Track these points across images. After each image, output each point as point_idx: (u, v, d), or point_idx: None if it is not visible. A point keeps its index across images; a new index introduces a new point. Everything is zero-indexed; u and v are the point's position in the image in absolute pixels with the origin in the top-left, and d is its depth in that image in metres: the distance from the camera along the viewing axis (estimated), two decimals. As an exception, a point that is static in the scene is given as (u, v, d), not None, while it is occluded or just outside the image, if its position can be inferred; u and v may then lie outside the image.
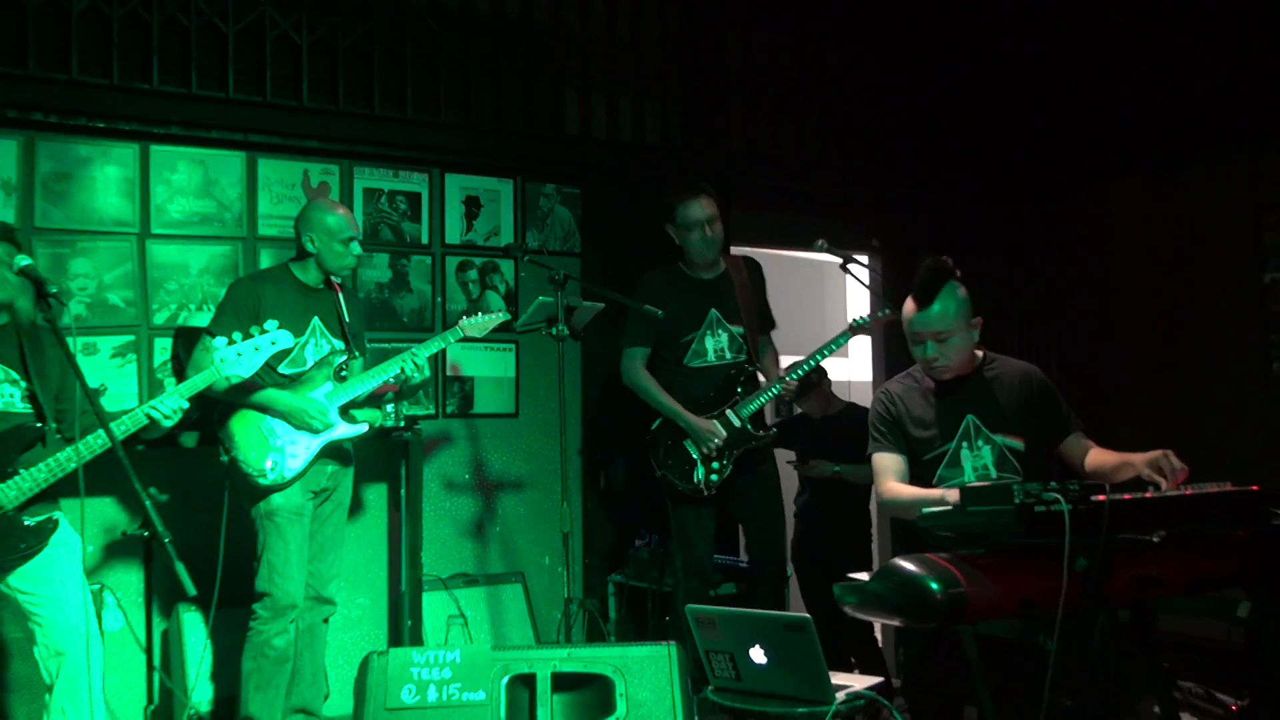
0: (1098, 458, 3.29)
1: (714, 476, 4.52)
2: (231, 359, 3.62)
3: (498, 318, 4.38)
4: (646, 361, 4.67)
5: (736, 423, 4.54)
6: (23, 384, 3.52)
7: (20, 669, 4.02)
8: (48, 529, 3.50)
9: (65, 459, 3.41)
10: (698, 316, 4.62)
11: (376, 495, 4.99)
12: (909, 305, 3.36)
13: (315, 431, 4.01)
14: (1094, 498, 2.57)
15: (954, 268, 3.37)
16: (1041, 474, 3.23)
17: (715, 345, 4.62)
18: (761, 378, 4.70)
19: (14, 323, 3.52)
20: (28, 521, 3.46)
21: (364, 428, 4.16)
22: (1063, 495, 2.54)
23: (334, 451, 4.16)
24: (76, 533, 3.58)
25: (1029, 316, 6.01)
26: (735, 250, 5.18)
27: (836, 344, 4.59)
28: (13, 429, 3.46)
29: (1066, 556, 2.52)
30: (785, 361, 4.82)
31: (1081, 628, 2.60)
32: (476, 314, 4.36)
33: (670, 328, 4.60)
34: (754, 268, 4.82)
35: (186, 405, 3.61)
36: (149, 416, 3.54)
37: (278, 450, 3.98)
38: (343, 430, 4.09)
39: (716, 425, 4.52)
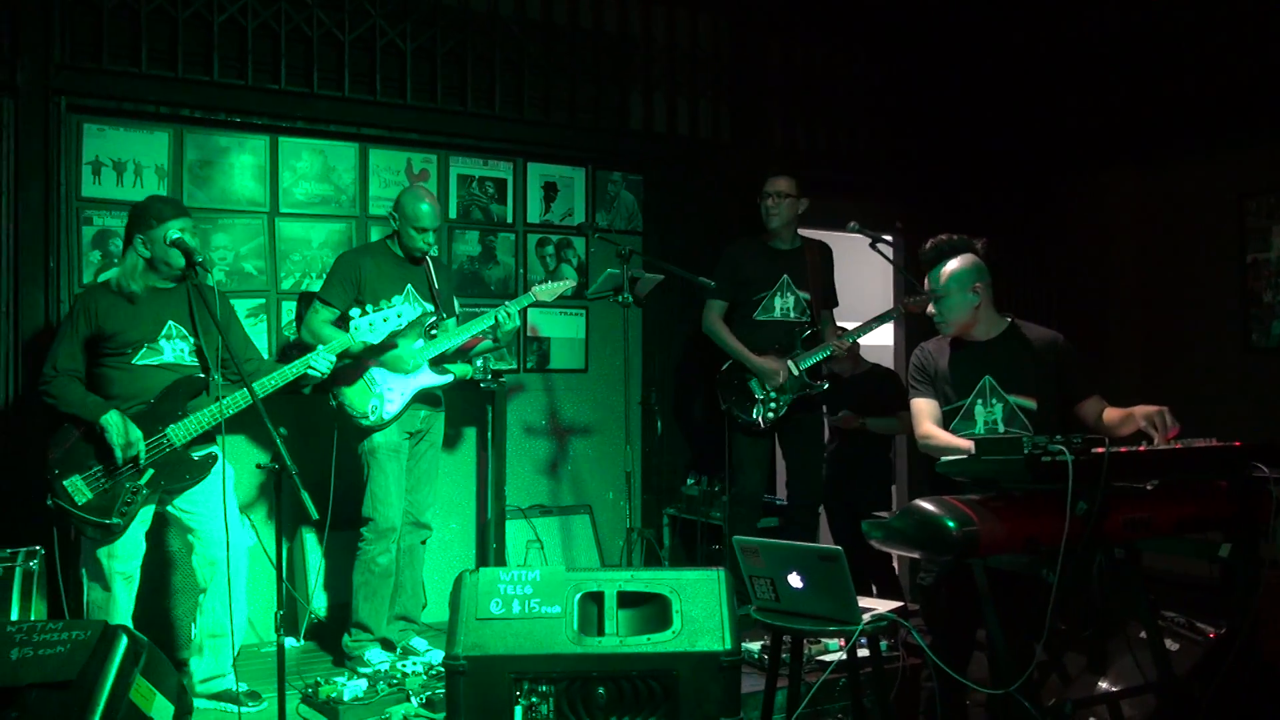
0: (1108, 415, 3.26)
1: (770, 414, 4.57)
2: (364, 327, 3.71)
3: (565, 284, 4.39)
4: (724, 314, 4.73)
5: (795, 372, 4.58)
6: (190, 340, 3.58)
7: (180, 576, 4.13)
8: (209, 463, 3.57)
9: (226, 405, 3.47)
10: (771, 278, 4.68)
11: (467, 437, 5.03)
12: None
13: (407, 372, 4.03)
14: (1094, 450, 2.54)
15: (966, 242, 3.35)
16: (1049, 430, 3.17)
17: (783, 305, 4.67)
18: (819, 340, 4.72)
19: (185, 285, 3.56)
20: (195, 455, 3.54)
21: (449, 377, 4.19)
22: (1066, 447, 2.52)
23: (426, 398, 4.19)
24: (230, 465, 3.66)
25: (1029, 291, 5.90)
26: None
27: (887, 318, 4.62)
28: (184, 379, 3.53)
29: (1069, 501, 2.50)
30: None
31: (1080, 563, 2.56)
32: (548, 281, 4.36)
33: (747, 285, 4.68)
34: (826, 252, 4.84)
35: (335, 361, 3.69)
36: (311, 368, 3.63)
37: (378, 396, 4.03)
38: (428, 379, 4.12)
39: (779, 366, 4.56)
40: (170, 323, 3.56)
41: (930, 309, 3.39)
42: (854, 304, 5.50)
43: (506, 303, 4.20)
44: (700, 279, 4.41)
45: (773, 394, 4.57)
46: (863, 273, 7.04)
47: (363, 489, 4.06)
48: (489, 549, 4.75)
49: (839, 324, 4.98)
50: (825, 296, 4.81)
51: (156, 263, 3.53)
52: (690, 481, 5.27)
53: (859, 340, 4.86)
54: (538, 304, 4.33)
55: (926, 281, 3.40)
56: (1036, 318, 3.57)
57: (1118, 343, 5.77)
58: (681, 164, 5.48)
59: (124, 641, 2.87)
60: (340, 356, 3.82)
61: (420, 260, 4.21)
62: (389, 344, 4.01)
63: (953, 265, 3.33)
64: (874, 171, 6.04)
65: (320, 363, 3.70)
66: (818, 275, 4.72)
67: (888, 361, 6.13)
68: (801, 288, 4.70)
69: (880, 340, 6.54)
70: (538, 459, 5.27)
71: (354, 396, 4.02)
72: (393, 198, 4.80)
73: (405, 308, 3.77)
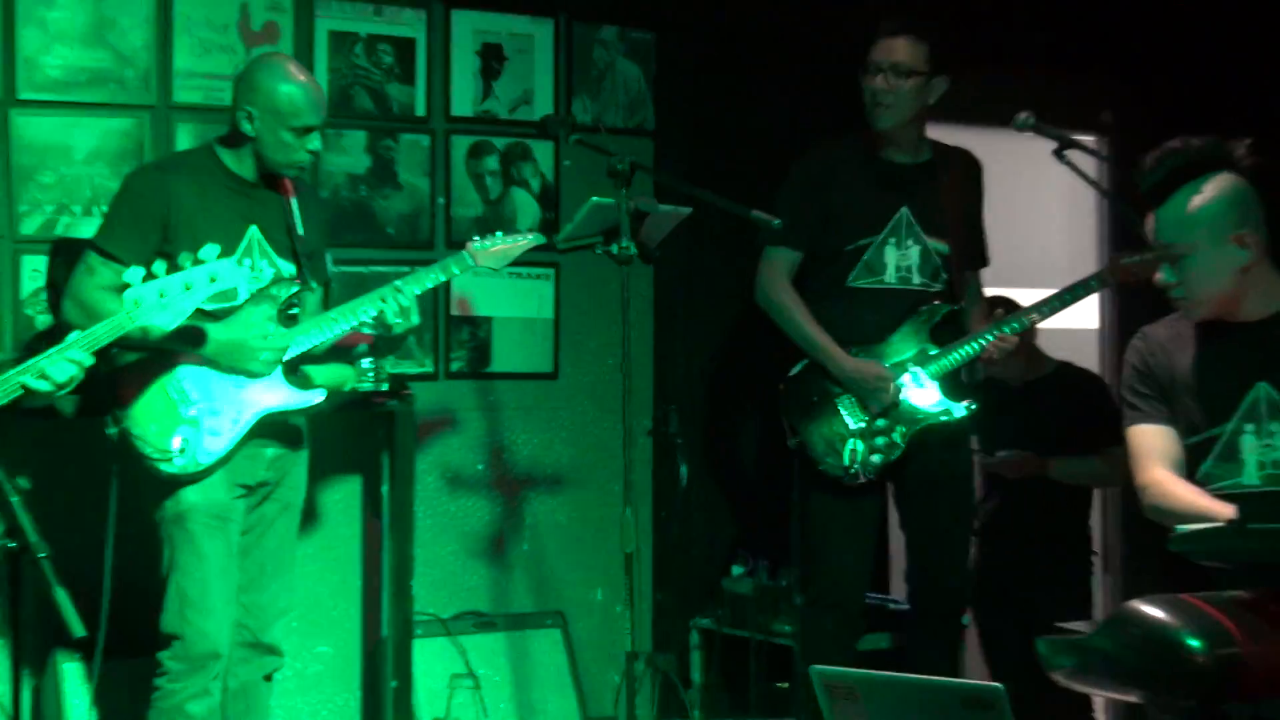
0: None
1: (876, 456, 4.57)
2: (151, 301, 3.60)
3: (527, 239, 4.39)
4: (795, 272, 4.72)
5: (921, 384, 4.58)
6: None
7: None
8: None
9: None
10: (880, 214, 4.68)
11: (346, 495, 5.03)
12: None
13: (256, 375, 4.04)
14: None
15: (1239, 154, 3.35)
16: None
17: (900, 261, 4.69)
18: (962, 328, 4.74)
19: None
20: None
21: (319, 395, 4.19)
22: (1396, 508, 2.52)
23: (276, 429, 4.18)
24: None
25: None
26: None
27: (1084, 290, 4.62)
28: None
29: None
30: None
31: None
32: (495, 232, 4.36)
33: (837, 225, 4.66)
34: (973, 169, 4.88)
35: (89, 364, 3.61)
36: (28, 389, 3.57)
37: (190, 422, 4.01)
38: (283, 395, 4.12)
39: (889, 371, 4.56)
40: None
41: (1160, 275, 3.40)
42: (1023, 261, 5.51)
43: (399, 279, 4.18)
44: (756, 214, 4.42)
45: (880, 421, 4.59)
46: (1041, 206, 7.04)
47: (163, 587, 4.08)
48: (384, 689, 4.74)
49: (994, 294, 4.99)
50: (972, 248, 4.84)
51: None
52: (738, 571, 5.28)
53: (1036, 325, 4.86)
54: (477, 270, 4.36)
55: (1152, 225, 3.41)
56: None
57: None
58: (723, 10, 5.49)
59: None
60: (110, 352, 3.81)
61: (279, 184, 4.23)
62: (209, 329, 4.03)
63: (1201, 198, 3.32)
64: (1067, 25, 6.06)
65: (57, 369, 3.61)
66: (959, 212, 4.75)
67: (1089, 359, 6.14)
68: (933, 232, 4.71)
69: (1074, 322, 6.55)
70: (470, 532, 5.28)
71: (148, 422, 4.01)
72: (216, 73, 4.82)
73: (224, 266, 3.71)
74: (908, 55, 4.64)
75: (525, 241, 4.40)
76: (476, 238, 4.34)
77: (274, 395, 4.11)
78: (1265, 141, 3.46)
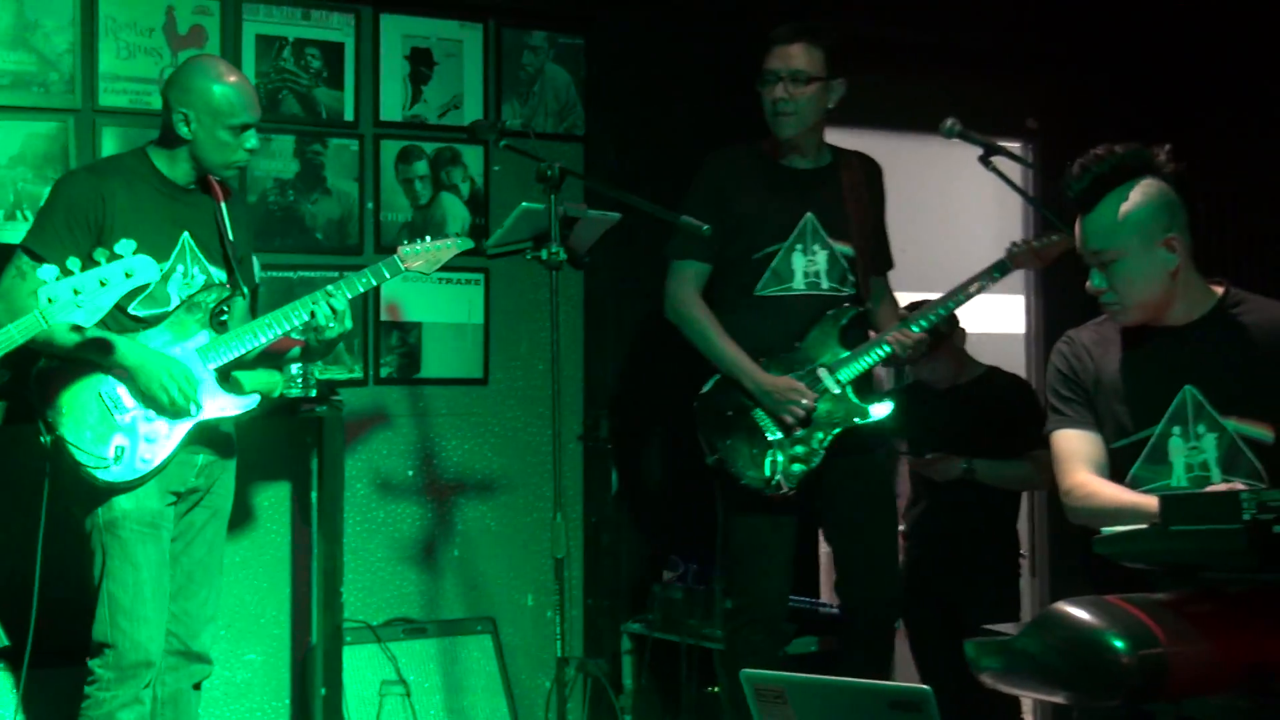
0: None
1: (797, 466, 4.56)
2: (65, 299, 3.58)
3: (456, 243, 4.38)
4: (704, 285, 4.71)
5: (835, 388, 4.58)
6: None
7: None
8: None
9: None
10: (785, 221, 4.66)
11: (274, 502, 5.02)
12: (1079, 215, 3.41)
13: (171, 411, 4.01)
14: (1368, 513, 2.57)
15: (1160, 159, 3.37)
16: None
17: (808, 266, 4.67)
18: (871, 329, 4.74)
19: None
20: None
21: (253, 401, 4.17)
22: (1316, 508, 2.54)
23: (208, 435, 4.16)
24: None
25: (1254, 241, 5.98)
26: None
27: (984, 282, 4.62)
28: None
29: (1321, 602, 2.52)
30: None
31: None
32: (424, 236, 4.35)
33: (741, 234, 4.64)
34: (874, 171, 4.86)
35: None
36: None
37: (127, 429, 3.99)
38: (221, 403, 4.11)
39: (801, 384, 4.55)
40: None
41: (1091, 282, 3.40)
42: (950, 266, 5.52)
43: (332, 285, 4.17)
44: (685, 219, 4.43)
45: (798, 430, 4.60)
46: (968, 211, 7.09)
47: (94, 596, 4.04)
48: (313, 696, 4.72)
49: (918, 299, 5.00)
50: (877, 251, 4.82)
51: None
52: (669, 575, 5.28)
53: (960, 326, 4.89)
54: (408, 273, 4.35)
55: (1080, 232, 3.41)
56: (1269, 287, 3.61)
57: None
58: (656, 11, 5.51)
59: None
60: (17, 353, 3.75)
61: (212, 189, 4.22)
62: (139, 340, 4.00)
63: (1129, 204, 3.33)
64: (993, 28, 6.10)
65: None
66: (864, 215, 4.73)
67: (1016, 363, 6.18)
68: (838, 236, 4.69)
69: (1001, 327, 6.60)
70: (400, 538, 5.27)
71: (82, 429, 3.97)
72: (142, 76, 4.79)
73: (140, 261, 3.68)
74: (805, 62, 4.61)
75: (454, 245, 4.38)
76: (406, 242, 4.33)
77: (211, 402, 4.09)
78: (1187, 146, 3.50)
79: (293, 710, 4.99)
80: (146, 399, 3.99)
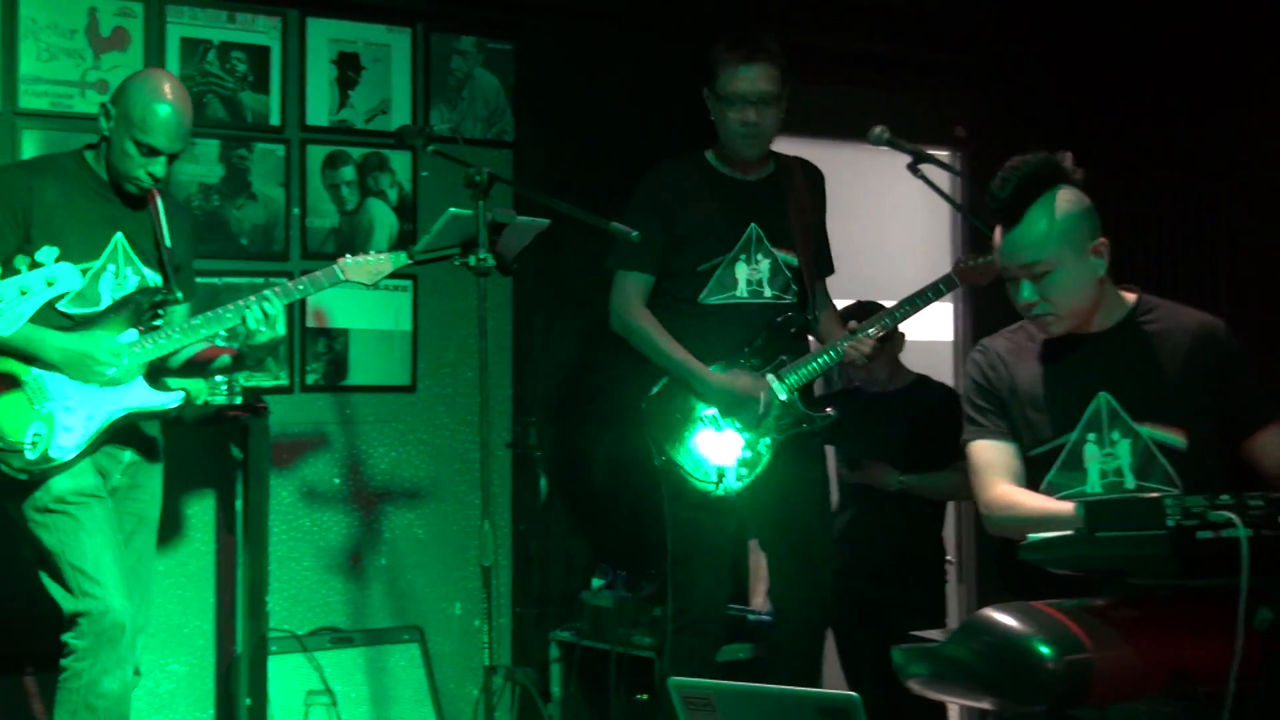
0: None
1: (743, 469, 4.57)
2: None
3: (396, 258, 4.37)
4: (648, 295, 4.72)
5: (783, 394, 4.60)
6: None
7: None
8: None
9: None
10: (730, 232, 4.68)
11: (200, 510, 4.99)
12: (997, 227, 3.39)
13: (102, 382, 3.99)
14: (1287, 518, 2.59)
15: (1069, 167, 3.38)
16: (1209, 483, 3.24)
17: (751, 275, 4.69)
18: (814, 336, 4.78)
19: None
20: None
21: (176, 398, 4.16)
22: (1239, 514, 2.55)
23: (131, 435, 4.15)
24: None
25: (1182, 247, 6.04)
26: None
27: (932, 295, 4.66)
28: None
29: (1242, 607, 2.53)
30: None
31: (1263, 713, 2.62)
32: (367, 249, 4.34)
33: (687, 246, 4.66)
34: (815, 177, 4.88)
35: None
36: None
37: (45, 419, 3.99)
38: (144, 398, 4.09)
39: (753, 385, 4.56)
40: None
41: (1021, 295, 3.36)
42: (880, 273, 5.58)
43: (270, 290, 4.16)
44: (615, 225, 4.43)
45: (745, 436, 4.61)
46: (898, 219, 7.13)
47: (55, 575, 4.01)
48: (238, 707, 4.69)
49: (859, 300, 5.02)
50: (819, 257, 4.85)
51: None
52: (598, 583, 5.28)
53: (900, 332, 4.91)
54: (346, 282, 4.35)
55: (1007, 246, 3.37)
56: (1185, 295, 3.64)
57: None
58: (586, 17, 5.52)
59: None
60: None
61: (142, 196, 4.19)
62: (56, 339, 3.98)
63: (1056, 213, 3.33)
64: (922, 39, 6.14)
65: None
66: (806, 223, 4.75)
67: (944, 371, 6.21)
68: (782, 245, 4.72)
69: (929, 334, 6.64)
70: (327, 546, 5.25)
71: (2, 417, 3.97)
72: (63, 79, 4.76)
73: (62, 269, 3.65)
74: (769, 82, 4.63)
75: (395, 260, 4.38)
76: (349, 255, 4.33)
77: (132, 395, 4.08)
78: (1115, 152, 3.52)
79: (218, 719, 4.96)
80: (78, 377, 4.00)
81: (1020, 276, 3.36)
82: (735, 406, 4.57)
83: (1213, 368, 3.38)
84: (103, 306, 4.07)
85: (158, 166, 4.10)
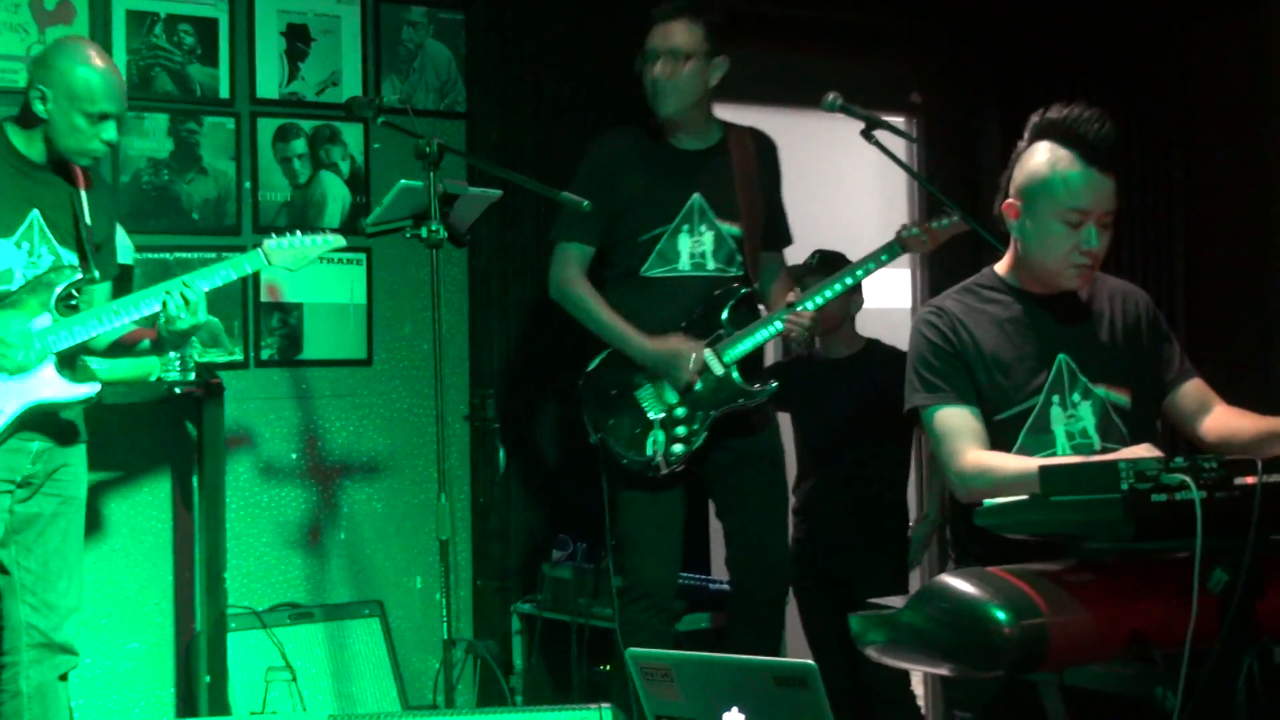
0: (1227, 421, 3.35)
1: (678, 446, 4.56)
2: None
3: (326, 240, 4.27)
4: (587, 266, 4.72)
5: (719, 369, 4.58)
6: None
7: None
8: None
9: None
10: (671, 203, 4.66)
11: (155, 487, 4.98)
12: (1064, 159, 3.29)
13: (10, 372, 3.93)
14: (1240, 480, 2.59)
15: None
16: (1150, 441, 3.26)
17: (694, 248, 4.67)
18: (761, 307, 4.77)
19: None
20: None
21: (93, 388, 4.08)
22: (1192, 477, 2.55)
23: (42, 422, 4.06)
24: None
25: (1137, 217, 6.06)
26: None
27: (873, 264, 4.63)
28: None
29: (1197, 569, 2.54)
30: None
31: (1219, 673, 2.63)
32: (295, 230, 4.25)
33: (627, 216, 4.65)
34: (766, 147, 4.86)
35: None
36: None
37: None
38: (54, 388, 4.01)
39: (688, 343, 4.54)
40: None
41: (1095, 243, 3.28)
42: (835, 240, 5.56)
43: (191, 274, 4.06)
44: (565, 195, 4.42)
45: (680, 410, 4.60)
46: (852, 186, 7.14)
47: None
48: (198, 684, 4.68)
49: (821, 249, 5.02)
50: (770, 228, 4.84)
51: None
52: (559, 555, 5.28)
53: (849, 300, 4.91)
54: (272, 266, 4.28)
55: (1102, 189, 3.28)
56: (1142, 267, 3.65)
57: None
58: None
59: None
60: None
61: (70, 171, 4.15)
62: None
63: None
64: (875, 5, 6.13)
65: None
66: (752, 194, 4.73)
67: (900, 336, 6.22)
68: (725, 216, 4.70)
69: (887, 302, 6.65)
70: (285, 522, 5.24)
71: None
72: (6, 53, 4.74)
73: None
74: (685, 39, 4.61)
75: (325, 242, 4.29)
76: (274, 235, 4.22)
77: (43, 387, 4.00)
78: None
79: (177, 699, 4.95)
80: None
81: (1095, 223, 3.29)
82: (665, 366, 4.56)
83: (1143, 329, 3.45)
84: (15, 286, 3.99)
85: (110, 131, 4.06)
